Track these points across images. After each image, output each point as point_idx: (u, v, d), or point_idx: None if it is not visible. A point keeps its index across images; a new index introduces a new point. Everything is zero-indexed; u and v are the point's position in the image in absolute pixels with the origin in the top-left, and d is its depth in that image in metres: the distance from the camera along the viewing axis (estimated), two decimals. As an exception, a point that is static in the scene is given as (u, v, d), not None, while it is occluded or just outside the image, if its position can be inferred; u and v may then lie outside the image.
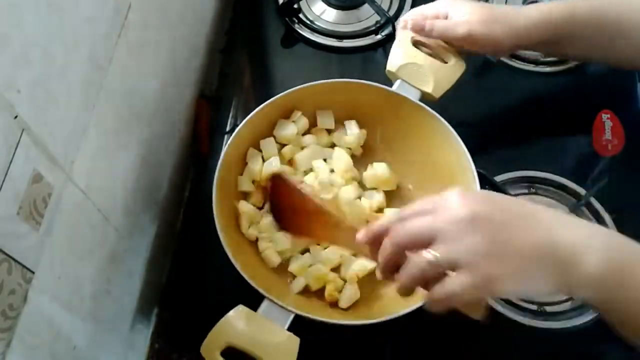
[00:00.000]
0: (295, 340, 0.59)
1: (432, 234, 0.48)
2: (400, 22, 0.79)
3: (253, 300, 0.61)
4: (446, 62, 0.76)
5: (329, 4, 0.94)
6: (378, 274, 0.54)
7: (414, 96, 0.73)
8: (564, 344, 0.70)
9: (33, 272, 0.46)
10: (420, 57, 0.75)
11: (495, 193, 0.52)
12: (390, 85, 0.74)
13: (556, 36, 0.72)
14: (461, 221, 0.47)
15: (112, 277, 0.64)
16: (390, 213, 0.72)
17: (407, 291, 0.52)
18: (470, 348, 0.70)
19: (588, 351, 0.70)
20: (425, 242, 0.49)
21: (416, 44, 0.77)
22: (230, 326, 0.58)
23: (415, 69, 0.74)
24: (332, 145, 0.77)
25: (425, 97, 0.74)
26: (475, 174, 0.67)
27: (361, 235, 0.54)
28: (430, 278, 0.49)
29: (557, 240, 0.47)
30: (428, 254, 0.48)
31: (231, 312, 0.59)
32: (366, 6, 0.93)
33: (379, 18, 0.92)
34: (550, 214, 0.50)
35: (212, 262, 0.72)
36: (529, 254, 0.47)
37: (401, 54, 0.75)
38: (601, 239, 0.49)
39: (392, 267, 0.52)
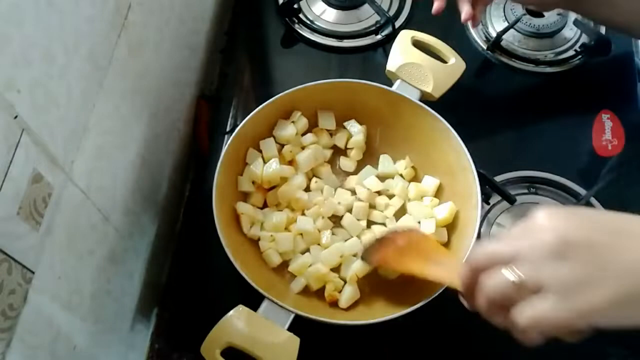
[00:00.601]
0: (295, 340, 0.59)
1: (513, 255, 0.43)
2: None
3: (253, 300, 0.61)
4: (446, 62, 0.76)
5: (329, 4, 0.94)
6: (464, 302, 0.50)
7: (414, 96, 0.73)
8: (564, 344, 0.70)
9: (33, 272, 0.46)
10: (420, 57, 0.75)
11: (587, 209, 0.47)
12: (390, 85, 0.74)
13: None
14: (548, 247, 0.41)
15: (112, 277, 0.64)
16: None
17: (490, 316, 0.45)
18: (470, 348, 0.70)
19: (588, 351, 0.70)
20: (504, 262, 0.43)
21: (416, 44, 0.77)
22: (230, 326, 0.59)
23: (415, 69, 0.74)
24: (333, 146, 0.77)
25: (425, 97, 0.74)
26: (475, 173, 0.67)
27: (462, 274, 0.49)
28: (512, 303, 0.43)
29: None
30: (509, 273, 0.42)
31: (231, 312, 0.59)
32: (366, 6, 0.93)
33: (379, 18, 0.92)
34: None
35: (212, 262, 0.72)
36: (629, 279, 0.40)
37: (401, 54, 0.75)
38: None
39: (472, 293, 0.46)
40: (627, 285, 0.40)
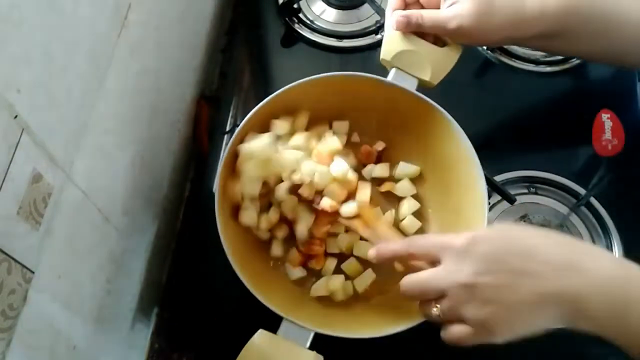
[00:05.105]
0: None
1: (438, 293, 0.54)
2: (388, 9, 0.73)
3: (253, 300, 0.61)
4: (442, 46, 0.71)
5: (329, 4, 0.94)
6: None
7: (410, 85, 0.68)
8: (564, 344, 0.70)
9: (33, 272, 0.46)
10: (414, 43, 0.69)
11: (510, 234, 0.54)
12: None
13: (556, 29, 0.67)
14: (464, 286, 0.52)
15: (112, 277, 0.64)
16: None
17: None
18: (470, 348, 0.70)
19: (588, 351, 0.70)
20: (432, 298, 0.55)
21: None
22: (254, 353, 0.57)
23: (411, 56, 0.69)
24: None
25: (422, 85, 0.70)
26: (479, 163, 0.65)
27: (372, 254, 0.60)
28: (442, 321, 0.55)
29: (562, 292, 0.50)
30: (435, 309, 0.55)
31: (254, 338, 0.58)
32: (366, 6, 0.93)
33: (379, 18, 0.92)
34: (558, 258, 0.52)
35: (212, 262, 0.71)
36: (529, 308, 0.51)
37: (394, 41, 0.70)
38: (602, 282, 0.51)
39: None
40: (523, 315, 0.52)
